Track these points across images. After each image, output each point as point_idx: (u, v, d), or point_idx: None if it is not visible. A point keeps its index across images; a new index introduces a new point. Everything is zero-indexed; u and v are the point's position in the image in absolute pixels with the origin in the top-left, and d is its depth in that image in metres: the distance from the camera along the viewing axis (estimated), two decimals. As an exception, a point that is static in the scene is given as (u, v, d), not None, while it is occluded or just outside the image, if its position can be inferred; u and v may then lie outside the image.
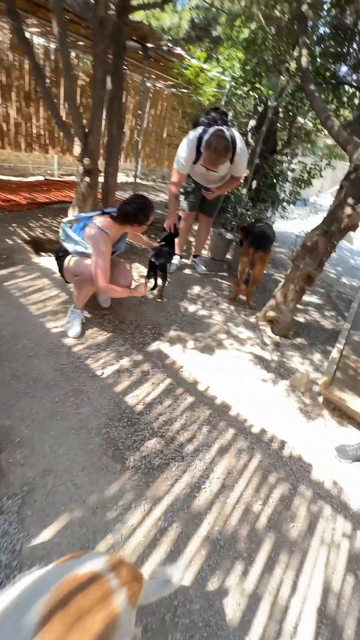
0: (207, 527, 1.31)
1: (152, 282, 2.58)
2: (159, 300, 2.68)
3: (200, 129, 2.46)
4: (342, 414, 2.06)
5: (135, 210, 1.90)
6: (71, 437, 1.49)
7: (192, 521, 1.31)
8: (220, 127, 2.43)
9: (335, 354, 2.25)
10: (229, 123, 2.82)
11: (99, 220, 1.87)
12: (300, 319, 3.09)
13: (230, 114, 4.47)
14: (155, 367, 2.02)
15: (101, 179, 2.91)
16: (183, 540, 1.25)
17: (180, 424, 1.71)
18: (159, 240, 2.54)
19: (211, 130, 2.41)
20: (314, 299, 3.67)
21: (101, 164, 2.71)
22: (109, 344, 2.10)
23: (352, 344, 2.57)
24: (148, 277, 2.49)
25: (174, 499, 1.37)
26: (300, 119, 4.88)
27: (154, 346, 2.19)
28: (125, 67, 5.57)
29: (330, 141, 9.48)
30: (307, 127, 4.86)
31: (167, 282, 2.67)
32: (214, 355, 2.28)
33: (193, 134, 2.48)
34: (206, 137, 2.41)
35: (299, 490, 1.55)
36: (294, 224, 6.49)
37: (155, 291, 2.68)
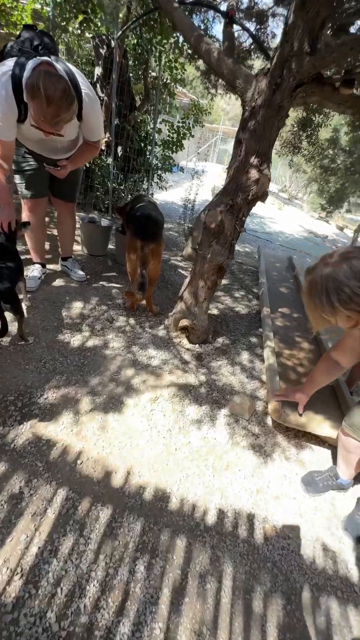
0: None
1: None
2: (22, 343, 1.77)
3: (11, 62, 1.50)
4: (298, 432, 1.67)
5: None
6: None
7: None
8: (46, 58, 1.52)
9: (270, 358, 1.81)
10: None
11: None
12: (214, 311, 2.60)
13: (64, 59, 3.42)
14: (34, 475, 1.21)
15: None
16: None
17: (98, 581, 0.99)
18: None
19: (31, 64, 1.48)
20: (219, 279, 3.24)
21: None
22: None
23: (279, 333, 2.20)
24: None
25: None
26: (153, 73, 4.14)
27: (26, 433, 1.35)
28: None
29: (187, 100, 9.04)
30: (163, 79, 4.17)
31: (24, 315, 1.75)
32: (123, 409, 1.57)
33: (1, 71, 1.50)
34: (26, 75, 1.47)
35: (293, 599, 1.07)
36: (174, 192, 5.97)
37: (12, 334, 1.75)
